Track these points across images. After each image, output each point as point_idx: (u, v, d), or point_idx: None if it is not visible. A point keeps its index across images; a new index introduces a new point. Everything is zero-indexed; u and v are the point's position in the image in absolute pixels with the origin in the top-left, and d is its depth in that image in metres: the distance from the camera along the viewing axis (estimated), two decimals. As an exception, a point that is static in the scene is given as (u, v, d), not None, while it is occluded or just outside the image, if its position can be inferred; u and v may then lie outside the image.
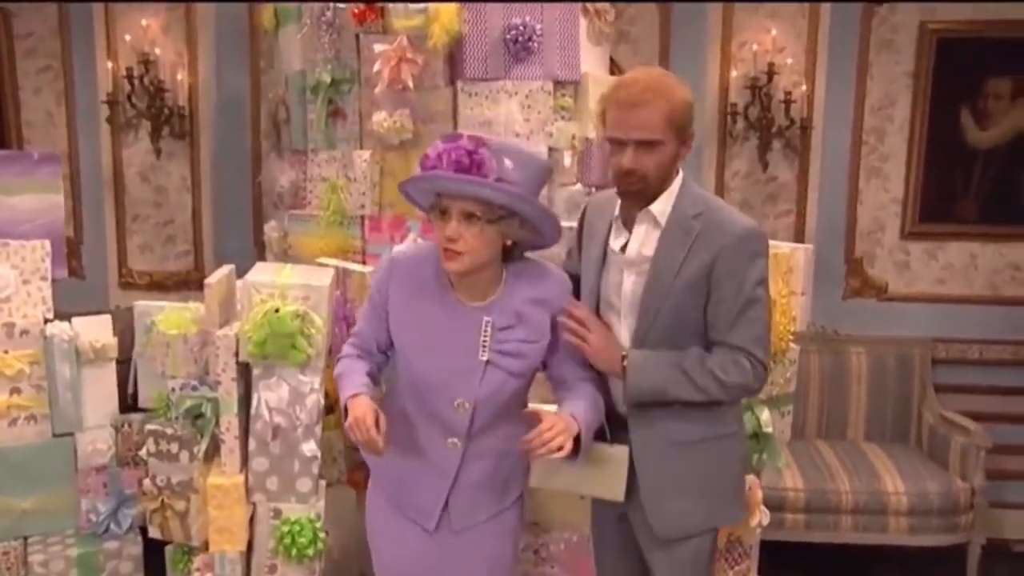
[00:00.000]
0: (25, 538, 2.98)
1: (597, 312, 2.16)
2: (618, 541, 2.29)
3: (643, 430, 2.11)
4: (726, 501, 2.22)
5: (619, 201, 2.15)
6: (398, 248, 2.24)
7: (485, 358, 2.06)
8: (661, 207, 2.07)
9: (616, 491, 2.13)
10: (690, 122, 2.05)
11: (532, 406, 2.05)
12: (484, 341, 2.05)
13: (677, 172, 2.09)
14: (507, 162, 1.98)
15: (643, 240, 2.09)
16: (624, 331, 2.12)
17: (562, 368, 2.16)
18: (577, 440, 2.00)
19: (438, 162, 1.97)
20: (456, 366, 2.06)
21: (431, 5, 2.72)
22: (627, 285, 2.11)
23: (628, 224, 2.12)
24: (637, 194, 2.06)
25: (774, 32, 4.11)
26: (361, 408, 1.99)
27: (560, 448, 1.93)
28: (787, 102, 4.10)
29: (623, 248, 2.12)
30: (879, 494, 3.72)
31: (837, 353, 4.24)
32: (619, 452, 2.12)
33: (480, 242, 1.99)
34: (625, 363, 2.06)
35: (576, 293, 2.19)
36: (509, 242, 2.08)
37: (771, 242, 2.99)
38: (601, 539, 2.36)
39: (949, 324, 4.28)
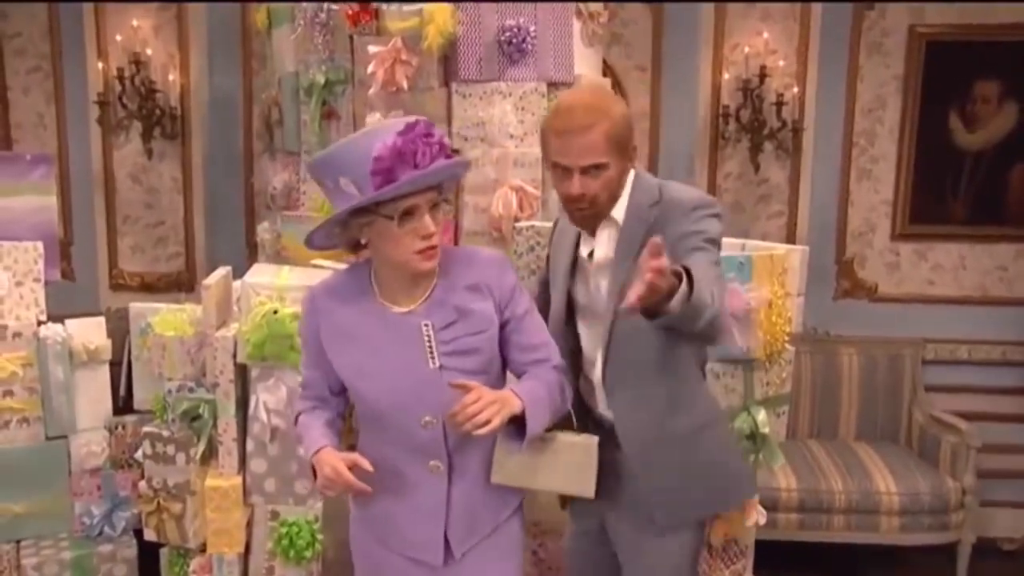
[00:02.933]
0: (18, 541, 2.97)
1: (572, 320, 2.12)
2: (595, 554, 2.24)
3: (629, 425, 2.04)
4: (730, 483, 2.22)
5: None
6: (314, 285, 2.03)
7: (437, 365, 1.87)
8: (619, 209, 2.04)
9: (585, 486, 1.98)
10: (631, 137, 2.01)
11: (468, 383, 1.80)
12: (429, 347, 1.87)
13: (628, 172, 2.03)
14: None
15: (608, 245, 2.06)
16: (603, 333, 2.05)
17: (516, 355, 1.98)
18: (523, 421, 1.84)
19: (399, 159, 1.75)
20: (408, 382, 1.87)
21: (425, 7, 2.72)
22: (599, 290, 2.07)
23: (594, 231, 2.08)
24: (589, 218, 2.02)
25: (766, 35, 4.14)
26: (327, 463, 1.82)
27: (487, 423, 1.74)
28: (779, 104, 4.12)
29: (590, 255, 2.08)
30: (871, 493, 3.75)
31: (828, 354, 4.27)
32: (586, 441, 1.98)
33: (443, 230, 1.90)
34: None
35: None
36: None
37: (764, 243, 3.02)
38: (576, 554, 2.30)
39: (939, 324, 4.31)
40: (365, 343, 1.90)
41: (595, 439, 1.98)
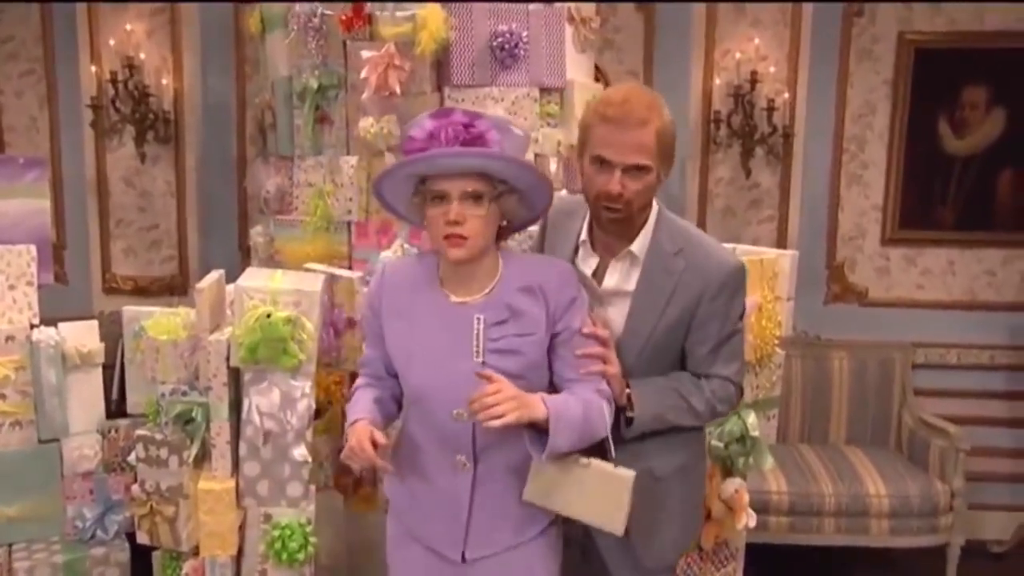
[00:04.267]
0: (10, 545, 2.95)
1: None
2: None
3: (629, 463, 1.91)
4: (699, 523, 2.26)
5: (586, 218, 2.04)
6: (389, 261, 2.12)
7: (480, 359, 1.86)
8: (640, 244, 1.98)
9: (615, 521, 1.87)
10: (675, 148, 1.95)
11: (495, 374, 1.80)
12: (477, 341, 1.87)
13: (657, 189, 1.97)
14: (496, 133, 1.86)
15: (622, 277, 2.00)
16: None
17: (563, 370, 1.93)
18: (545, 432, 1.80)
19: (431, 142, 1.83)
20: (452, 372, 1.87)
21: (418, 12, 2.73)
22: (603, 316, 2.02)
23: (598, 248, 2.03)
24: (619, 223, 1.94)
25: (757, 41, 4.16)
26: (356, 434, 1.86)
27: (500, 416, 1.73)
28: (769, 110, 4.15)
29: (594, 275, 2.03)
30: (861, 496, 3.77)
31: (819, 358, 4.29)
32: (622, 475, 1.86)
33: (484, 224, 1.85)
34: (630, 391, 1.93)
35: None
36: (504, 222, 1.94)
37: (755, 248, 3.04)
38: None
39: (928, 329, 4.34)
40: (418, 327, 1.93)
41: (632, 474, 1.86)
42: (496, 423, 1.74)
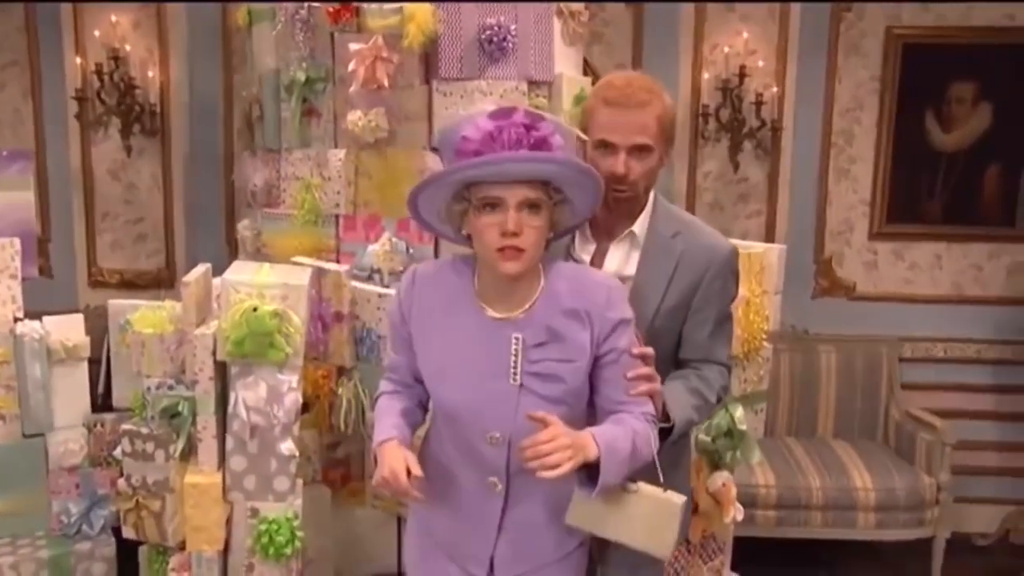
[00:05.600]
0: (-6, 540, 2.94)
1: None
2: None
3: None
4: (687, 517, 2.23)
5: None
6: (419, 265, 1.95)
7: (518, 382, 1.74)
8: (640, 227, 1.99)
9: (663, 546, 1.79)
10: (675, 131, 1.99)
11: (548, 416, 1.68)
12: (514, 362, 1.74)
13: (659, 172, 2.01)
14: (560, 138, 1.73)
15: (622, 260, 2.01)
16: None
17: (608, 392, 1.81)
18: (596, 469, 1.69)
19: (490, 143, 1.68)
20: (487, 392, 1.76)
21: (406, 5, 2.72)
22: None
23: (597, 235, 2.03)
24: (626, 201, 1.95)
25: (745, 35, 4.16)
26: (390, 459, 1.73)
27: (556, 467, 1.61)
28: (758, 104, 4.15)
29: (592, 261, 2.02)
30: (848, 490, 3.79)
31: (807, 352, 4.31)
32: (671, 499, 1.78)
33: (541, 235, 1.71)
34: (665, 401, 1.87)
35: None
36: (551, 233, 1.80)
37: (743, 242, 3.05)
38: None
39: (915, 323, 4.36)
40: (452, 340, 1.80)
41: (683, 499, 1.79)
42: (551, 474, 1.61)
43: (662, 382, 1.89)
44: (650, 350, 1.84)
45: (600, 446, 1.68)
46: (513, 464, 1.78)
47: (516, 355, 1.75)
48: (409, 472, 1.72)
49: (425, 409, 1.98)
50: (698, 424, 1.99)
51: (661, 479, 1.78)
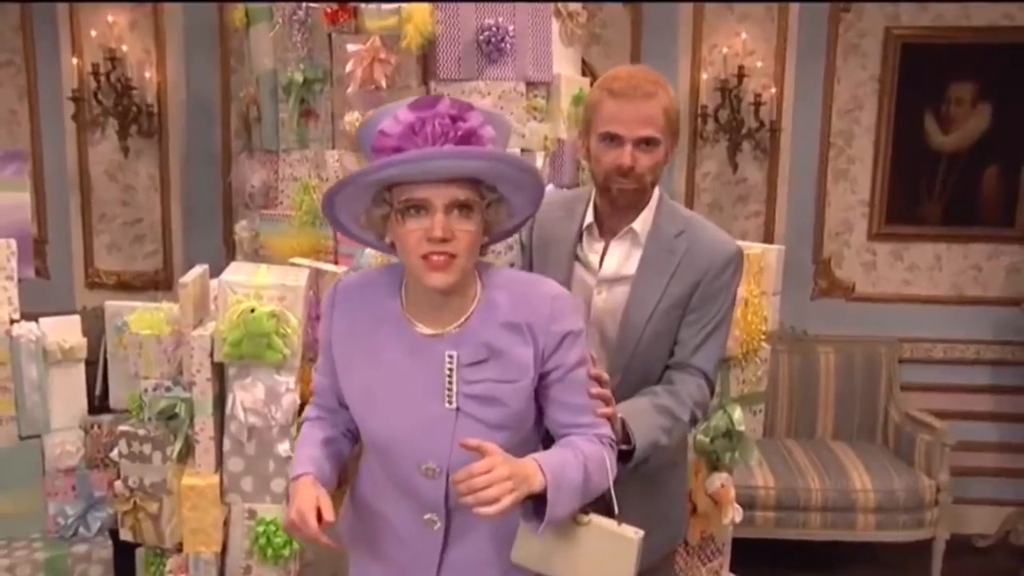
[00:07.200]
0: (-10, 542, 2.93)
1: None
2: None
3: None
4: (685, 518, 2.22)
5: (590, 207, 2.02)
6: (344, 277, 1.77)
7: (453, 406, 1.55)
8: (642, 224, 1.96)
9: None
10: (679, 126, 1.96)
11: (485, 444, 1.47)
12: (448, 383, 1.55)
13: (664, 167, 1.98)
14: (491, 129, 1.54)
15: (622, 258, 1.98)
16: (614, 350, 1.96)
17: (556, 414, 1.63)
18: (543, 501, 1.49)
19: (410, 138, 1.47)
20: (419, 418, 1.57)
21: (404, 5, 2.71)
22: (598, 302, 1.98)
23: (604, 231, 2.00)
24: (631, 194, 1.92)
25: (744, 36, 4.16)
26: (300, 499, 1.56)
27: (495, 502, 1.41)
28: (756, 104, 4.15)
29: (600, 260, 2.00)
30: (847, 491, 3.78)
31: (806, 353, 4.30)
32: (627, 534, 1.58)
33: (474, 240, 1.52)
34: (624, 422, 1.74)
35: None
36: (486, 237, 1.62)
37: (742, 242, 3.04)
38: None
39: (914, 324, 4.36)
40: (378, 360, 1.61)
41: (640, 534, 1.58)
42: (490, 510, 1.41)
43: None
44: (604, 375, 1.71)
45: (547, 476, 1.48)
46: (452, 498, 1.58)
47: (451, 375, 1.55)
48: (321, 516, 1.54)
49: (355, 438, 1.79)
50: (666, 447, 1.86)
51: (616, 510, 1.59)
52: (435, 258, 1.48)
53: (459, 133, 1.47)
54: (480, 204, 1.53)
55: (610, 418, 1.69)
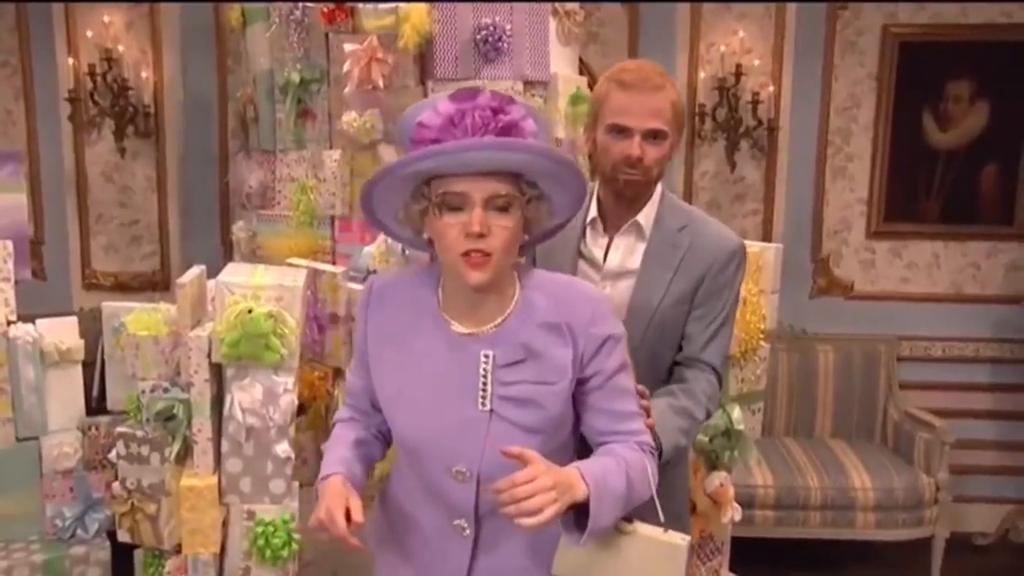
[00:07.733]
0: (-12, 545, 2.92)
1: None
2: None
3: None
4: (684, 516, 2.22)
5: (593, 202, 2.02)
6: (378, 276, 1.77)
7: (487, 408, 1.51)
8: (646, 218, 1.98)
9: None
10: (684, 119, 1.98)
11: (527, 452, 1.43)
12: (483, 384, 1.51)
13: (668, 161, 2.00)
14: (533, 123, 1.50)
15: (626, 253, 1.99)
16: None
17: (596, 422, 1.58)
18: (583, 511, 1.44)
19: (449, 130, 1.44)
20: (450, 419, 1.53)
21: (401, 5, 2.71)
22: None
23: (609, 228, 2.01)
24: (637, 185, 1.92)
25: (741, 34, 4.16)
26: (329, 498, 1.52)
27: (537, 512, 1.36)
28: (754, 103, 4.15)
29: (605, 255, 2.01)
30: (846, 490, 3.78)
31: (804, 351, 4.30)
32: (673, 541, 1.54)
33: (512, 237, 1.47)
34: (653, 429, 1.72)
35: None
36: (526, 236, 1.58)
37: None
38: None
39: (913, 322, 4.36)
40: (411, 358, 1.58)
41: (687, 540, 1.56)
42: (531, 521, 1.36)
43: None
44: (644, 389, 1.72)
45: (589, 485, 1.44)
46: (483, 504, 1.55)
47: (485, 376, 1.51)
48: (349, 517, 1.50)
49: (387, 440, 1.77)
50: (686, 447, 1.91)
51: (661, 517, 1.55)
52: (473, 254, 1.45)
53: (500, 125, 1.44)
54: (520, 200, 1.50)
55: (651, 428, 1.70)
